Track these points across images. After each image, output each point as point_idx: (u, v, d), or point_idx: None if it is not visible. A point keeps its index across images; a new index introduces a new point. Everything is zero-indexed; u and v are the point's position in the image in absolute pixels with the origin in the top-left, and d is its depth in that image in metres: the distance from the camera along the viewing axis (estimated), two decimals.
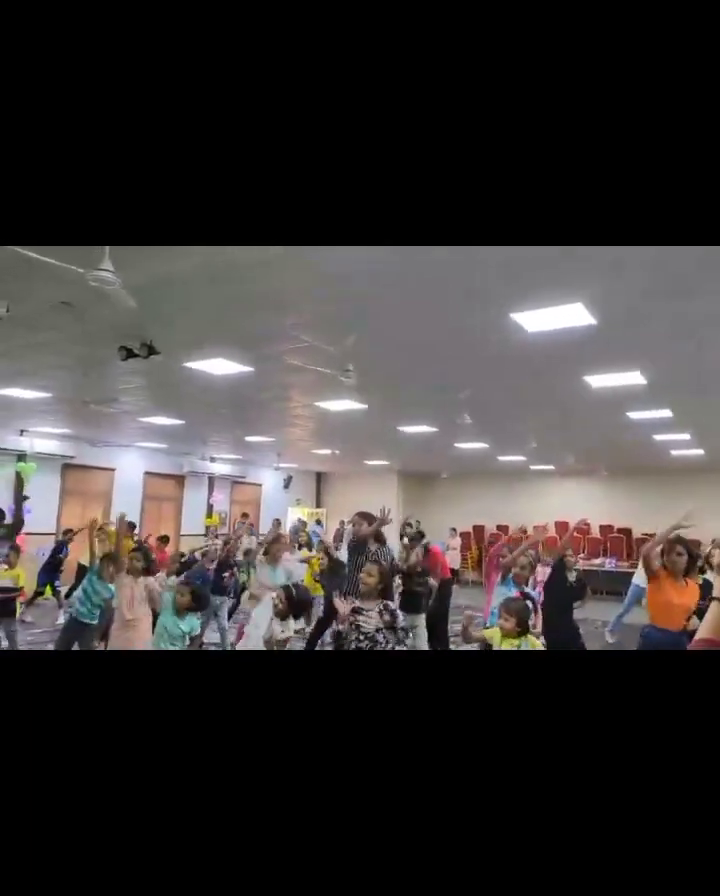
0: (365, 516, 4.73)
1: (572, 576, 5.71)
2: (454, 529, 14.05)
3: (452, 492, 15.73)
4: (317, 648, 5.74)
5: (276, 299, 3.81)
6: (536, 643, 3.31)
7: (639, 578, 6.79)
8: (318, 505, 16.61)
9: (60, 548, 8.56)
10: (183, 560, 6.39)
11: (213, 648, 6.49)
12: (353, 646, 3.17)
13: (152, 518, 12.27)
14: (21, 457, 10.01)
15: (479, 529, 15.37)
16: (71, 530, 8.79)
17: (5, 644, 5.52)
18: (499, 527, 15.15)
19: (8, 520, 9.60)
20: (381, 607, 3.23)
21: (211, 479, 13.59)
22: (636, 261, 3.12)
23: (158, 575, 4.64)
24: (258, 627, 3.49)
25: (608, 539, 13.88)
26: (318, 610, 6.42)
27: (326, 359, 5.05)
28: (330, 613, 5.34)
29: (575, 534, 13.62)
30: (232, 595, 6.71)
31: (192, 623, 3.73)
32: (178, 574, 5.69)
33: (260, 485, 15.13)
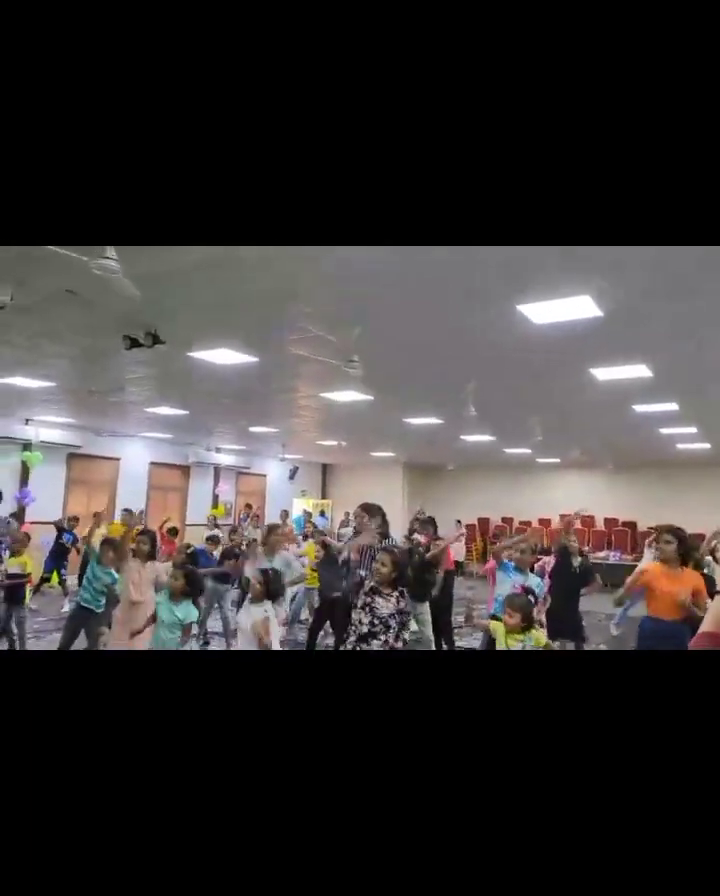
0: (367, 508, 4.69)
1: (577, 562, 5.74)
2: (459, 521, 14.05)
3: (458, 484, 15.73)
4: (320, 631, 5.76)
5: (280, 291, 3.80)
6: (541, 638, 3.32)
7: None
8: (323, 496, 16.64)
9: (60, 533, 8.60)
10: (188, 551, 6.42)
11: (216, 636, 6.53)
12: (365, 628, 3.24)
13: (157, 508, 12.32)
14: (26, 446, 10.05)
15: (484, 521, 15.37)
16: (75, 518, 8.84)
17: (14, 630, 5.58)
18: (504, 519, 15.15)
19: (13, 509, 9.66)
20: (398, 593, 3.31)
21: (216, 469, 13.62)
22: (638, 260, 3.13)
23: (164, 564, 4.67)
24: (250, 614, 3.55)
25: (612, 532, 13.86)
26: (315, 601, 6.44)
27: (331, 350, 5.03)
28: (330, 604, 5.34)
29: (578, 526, 13.65)
30: (236, 584, 6.74)
31: (188, 610, 3.66)
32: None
33: (265, 476, 15.15)
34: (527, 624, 3.31)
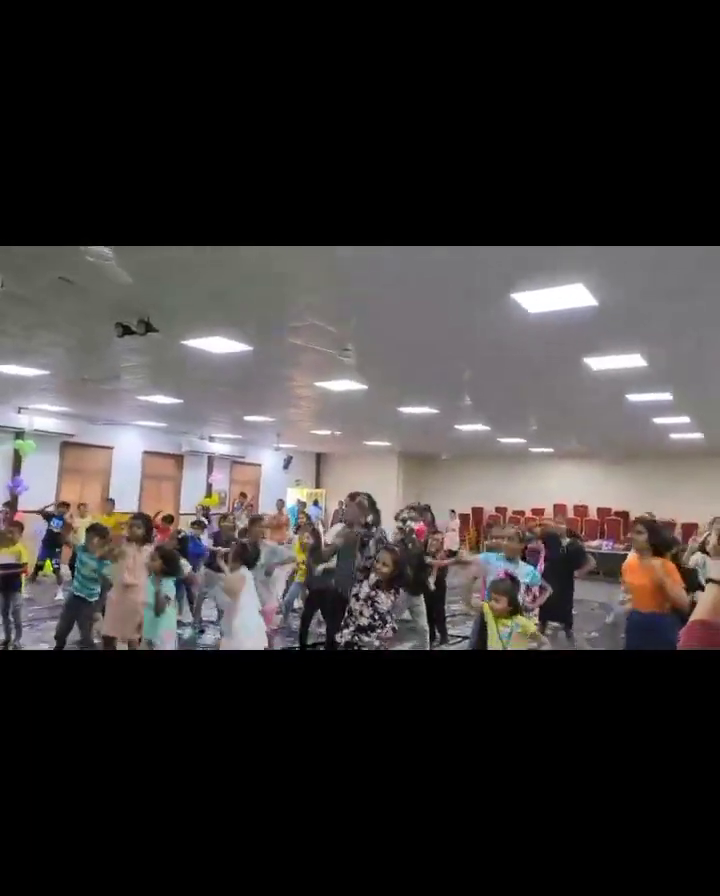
0: (354, 497, 4.70)
1: (565, 542, 5.84)
2: (453, 511, 14.11)
3: (452, 473, 15.76)
4: (312, 619, 5.78)
5: (274, 279, 3.78)
6: (528, 625, 3.37)
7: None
8: (318, 486, 16.65)
9: (49, 520, 8.59)
10: (180, 537, 6.42)
11: (211, 624, 6.54)
12: (366, 622, 3.32)
13: (151, 497, 12.30)
14: (19, 434, 10.01)
15: (478, 511, 15.43)
16: (64, 503, 8.84)
17: (11, 620, 5.61)
18: (498, 509, 15.21)
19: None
20: (394, 589, 3.43)
21: (210, 459, 13.60)
22: (633, 251, 3.11)
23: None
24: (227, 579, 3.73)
25: (605, 521, 13.94)
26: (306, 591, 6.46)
27: (326, 339, 5.02)
28: (319, 594, 5.34)
29: (572, 516, 13.70)
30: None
31: (167, 586, 3.95)
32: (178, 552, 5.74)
33: (260, 465, 15.14)
34: (514, 608, 3.38)
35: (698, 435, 9.96)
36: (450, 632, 6.58)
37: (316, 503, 14.14)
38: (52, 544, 8.56)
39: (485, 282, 3.71)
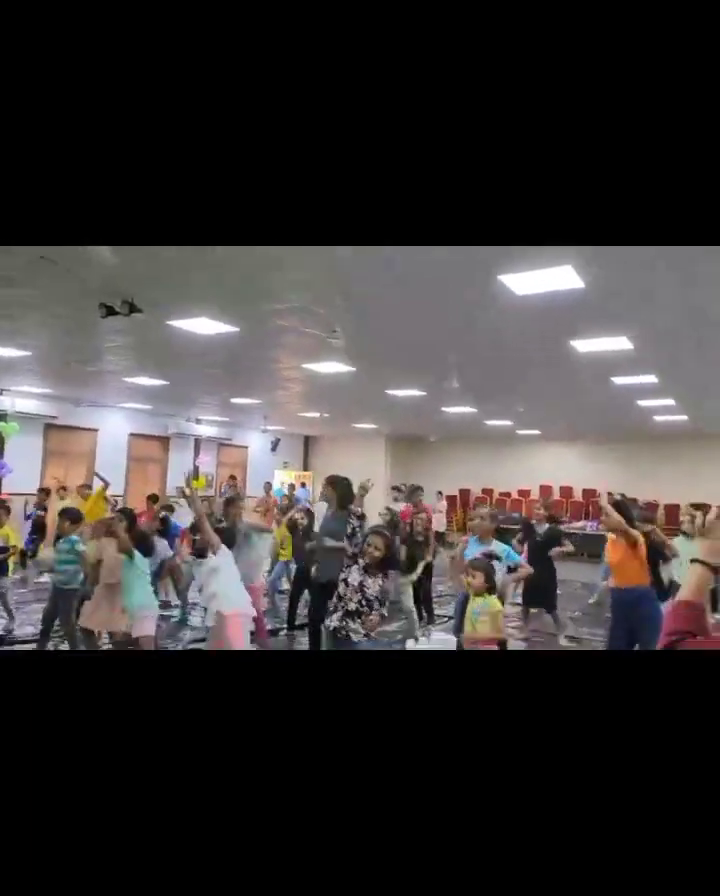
0: (332, 481, 4.70)
1: (542, 528, 5.96)
2: (440, 492, 14.18)
3: (440, 456, 15.81)
4: (299, 600, 5.81)
5: (261, 259, 3.73)
6: (495, 604, 3.46)
7: None
8: (305, 468, 16.65)
9: (32, 514, 8.58)
10: (161, 517, 6.39)
11: (196, 607, 6.54)
12: (354, 606, 3.34)
13: (137, 480, 12.25)
14: (2, 417, 9.89)
15: (465, 492, 15.52)
16: (46, 490, 8.79)
17: None
18: (484, 490, 15.32)
19: None
20: (383, 575, 3.42)
21: (197, 441, 13.53)
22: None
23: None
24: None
25: (590, 503, 14.09)
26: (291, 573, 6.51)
27: (313, 320, 4.98)
28: (303, 574, 5.37)
29: (557, 498, 13.83)
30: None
31: (140, 563, 4.08)
32: (159, 533, 5.73)
33: (247, 448, 15.10)
34: (490, 587, 3.45)
35: (682, 417, 10.06)
36: (437, 612, 6.66)
37: (304, 485, 14.15)
38: (38, 529, 8.55)
39: (472, 263, 3.70)
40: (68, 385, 9.31)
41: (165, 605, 6.32)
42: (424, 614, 6.47)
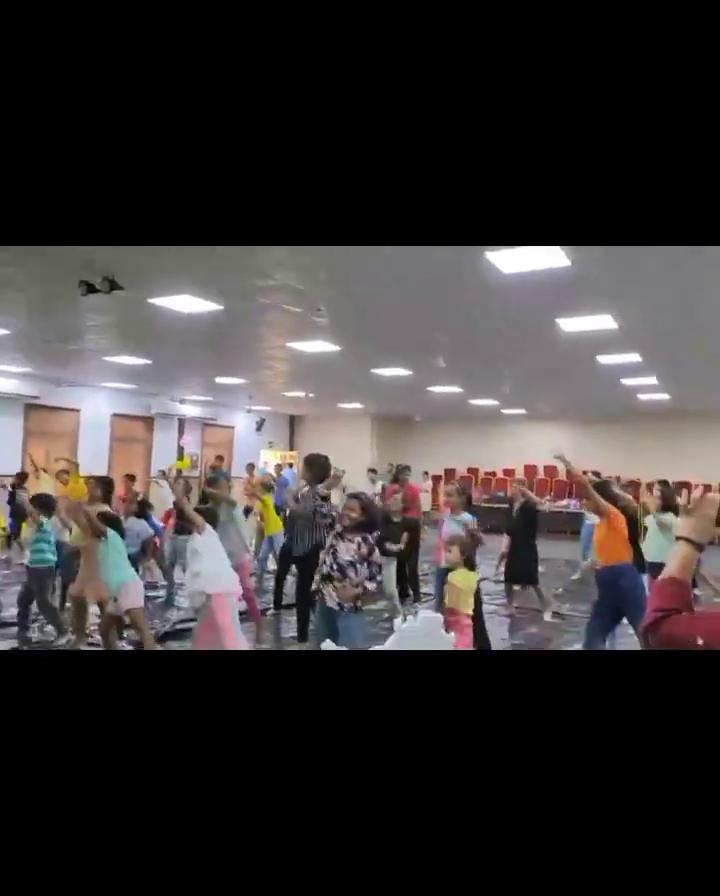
0: (308, 460, 4.76)
1: (516, 506, 6.13)
2: (426, 472, 14.23)
3: (426, 436, 15.83)
4: (285, 578, 5.83)
5: None
6: (462, 576, 3.51)
7: (590, 517, 6.99)
8: (291, 448, 16.60)
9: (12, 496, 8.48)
10: (139, 500, 6.35)
11: (181, 587, 6.54)
12: (326, 570, 3.31)
13: (120, 460, 12.14)
14: None
15: (450, 472, 15.59)
16: (23, 474, 8.70)
17: None
18: (470, 470, 15.39)
19: None
20: (361, 539, 3.30)
21: (181, 421, 13.41)
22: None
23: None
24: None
25: (574, 481, 14.22)
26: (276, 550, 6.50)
27: (298, 298, 4.92)
28: (288, 550, 5.38)
29: (542, 477, 13.94)
30: None
31: (114, 544, 4.08)
32: (137, 515, 5.70)
33: (232, 428, 15.00)
34: (467, 561, 3.53)
35: (664, 396, 10.13)
36: (423, 591, 6.71)
37: (291, 466, 14.12)
38: (18, 513, 8.47)
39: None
40: (49, 365, 9.16)
41: (151, 586, 6.31)
42: (411, 592, 6.52)
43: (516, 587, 6.27)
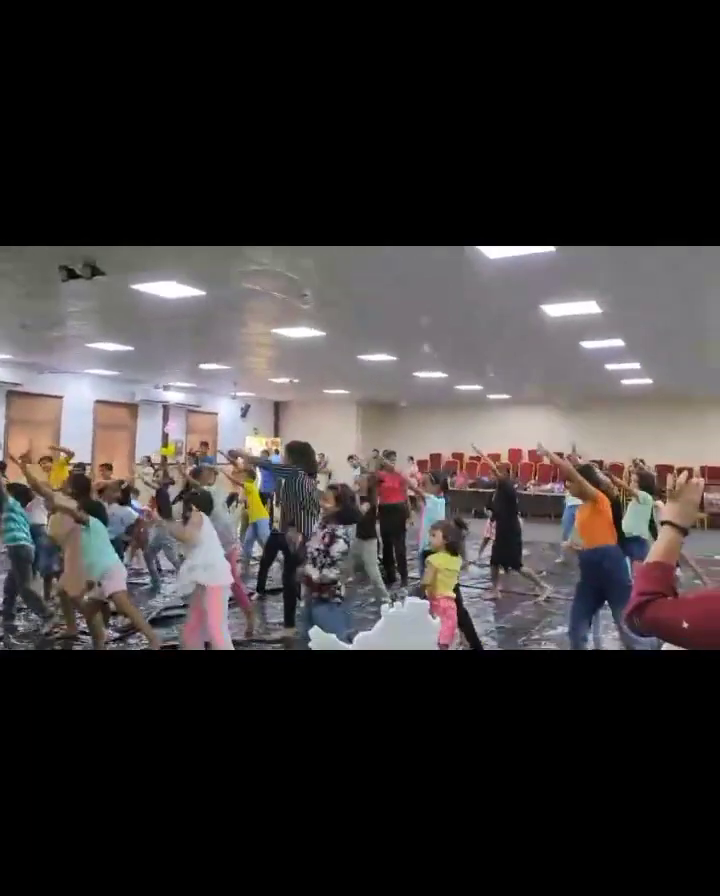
0: (290, 447, 4.76)
1: (494, 492, 6.26)
2: (412, 458, 14.26)
3: (412, 421, 15.84)
4: (271, 564, 5.82)
5: None
6: (440, 559, 3.54)
7: (571, 500, 7.06)
8: (276, 434, 16.54)
9: None
10: (123, 487, 6.30)
11: (169, 573, 6.54)
12: (304, 554, 3.45)
13: (104, 447, 12.03)
14: None
15: (436, 457, 15.64)
16: (2, 464, 8.60)
17: None
18: (454, 455, 15.45)
19: None
20: (327, 530, 3.29)
21: (165, 408, 13.30)
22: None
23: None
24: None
25: (558, 467, 14.32)
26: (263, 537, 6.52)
27: (282, 283, 4.87)
28: (276, 537, 5.38)
29: (526, 461, 14.03)
30: None
31: (97, 531, 4.11)
32: (120, 503, 5.67)
33: (216, 414, 14.90)
34: (450, 546, 3.55)
35: (647, 380, 10.21)
36: (411, 576, 6.75)
37: (277, 452, 14.08)
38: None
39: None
40: (30, 351, 9.02)
41: (135, 573, 6.29)
42: (398, 576, 6.56)
43: (501, 571, 6.33)
